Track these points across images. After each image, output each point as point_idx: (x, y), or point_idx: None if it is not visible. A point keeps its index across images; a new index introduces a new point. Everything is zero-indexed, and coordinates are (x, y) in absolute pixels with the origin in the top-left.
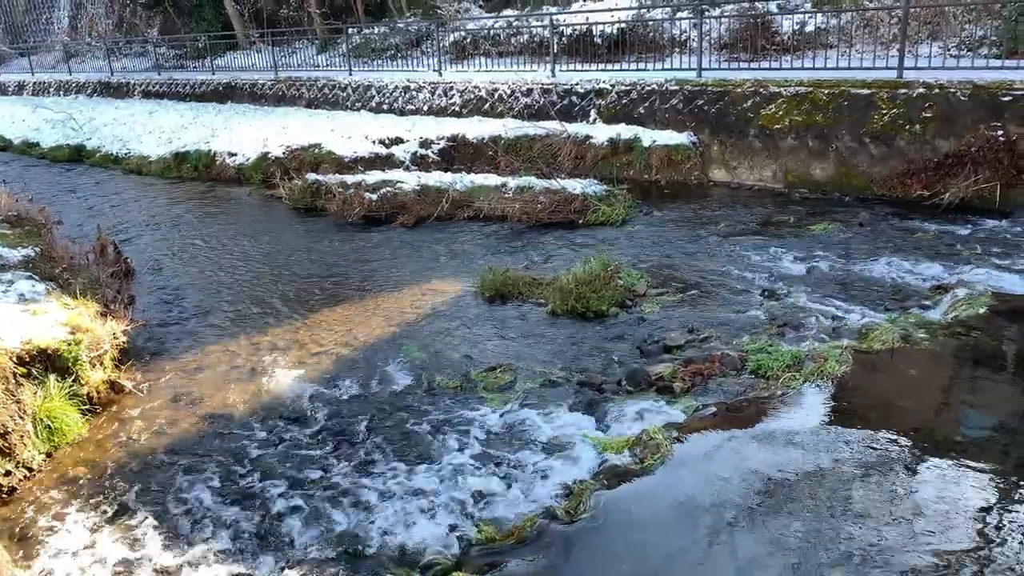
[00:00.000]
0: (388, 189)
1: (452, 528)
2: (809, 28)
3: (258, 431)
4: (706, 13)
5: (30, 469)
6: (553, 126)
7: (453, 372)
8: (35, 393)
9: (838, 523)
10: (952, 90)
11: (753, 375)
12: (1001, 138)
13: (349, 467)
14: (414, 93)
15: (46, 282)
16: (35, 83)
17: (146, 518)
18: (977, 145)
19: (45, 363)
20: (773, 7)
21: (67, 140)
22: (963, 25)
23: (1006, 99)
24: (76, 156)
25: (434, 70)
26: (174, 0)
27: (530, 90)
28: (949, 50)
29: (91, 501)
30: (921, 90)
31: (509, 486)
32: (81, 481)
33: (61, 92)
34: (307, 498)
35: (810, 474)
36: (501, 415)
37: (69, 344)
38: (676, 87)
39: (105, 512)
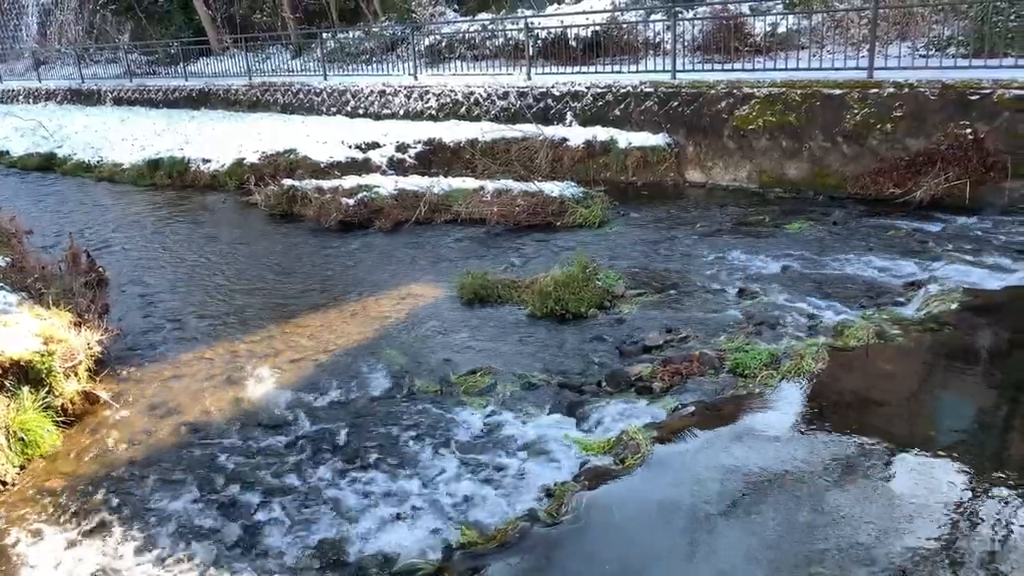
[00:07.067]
0: (365, 194)
1: (434, 533)
2: (781, 30)
3: (236, 439)
4: (680, 15)
5: (3, 483)
6: (530, 129)
7: (433, 376)
8: (8, 405)
9: (817, 520)
10: (921, 89)
11: (731, 374)
12: (969, 136)
13: (328, 474)
14: (390, 97)
15: (17, 292)
16: (3, 91)
17: (123, 530)
18: (946, 143)
19: (18, 375)
20: (745, 9)
21: (37, 148)
22: (931, 25)
23: (974, 98)
24: (47, 164)
25: (409, 74)
26: (145, 6)
27: (506, 93)
28: (918, 50)
29: (67, 514)
30: (891, 90)
31: (491, 489)
32: (56, 494)
33: (30, 100)
34: (286, 506)
35: (789, 471)
36: (481, 418)
37: (42, 355)
38: (651, 89)
39: (81, 525)
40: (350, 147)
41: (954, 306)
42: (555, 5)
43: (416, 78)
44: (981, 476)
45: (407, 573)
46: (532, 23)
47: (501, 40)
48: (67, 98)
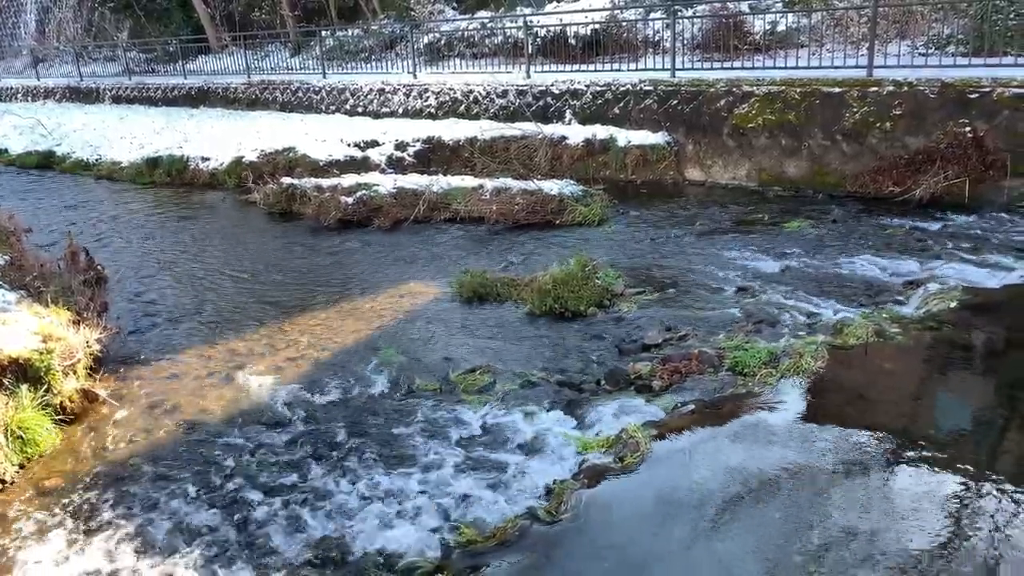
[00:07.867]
0: (364, 192)
1: (433, 531)
2: (781, 28)
3: (235, 438)
4: (679, 14)
5: (2, 481)
6: (529, 127)
7: (432, 375)
8: (6, 404)
9: (816, 518)
10: (921, 88)
11: (730, 372)
12: (969, 135)
13: (328, 472)
14: (389, 95)
15: (16, 291)
16: (1, 89)
17: (122, 528)
18: (946, 142)
19: (16, 373)
20: (745, 7)
21: (36, 146)
22: (931, 24)
23: (973, 96)
24: (46, 162)
25: (409, 72)
26: (143, 4)
27: (505, 91)
28: (917, 49)
29: (66, 512)
30: (891, 88)
31: (490, 487)
32: (55, 492)
33: (29, 98)
34: (286, 504)
35: (788, 469)
36: (481, 417)
37: (41, 353)
38: (650, 87)
39: (80, 523)
40: (349, 145)
41: (953, 305)
42: (554, 3)
43: (415, 76)
44: (980, 474)
45: (406, 571)
46: (531, 21)
47: (500, 38)
48: (66, 96)
